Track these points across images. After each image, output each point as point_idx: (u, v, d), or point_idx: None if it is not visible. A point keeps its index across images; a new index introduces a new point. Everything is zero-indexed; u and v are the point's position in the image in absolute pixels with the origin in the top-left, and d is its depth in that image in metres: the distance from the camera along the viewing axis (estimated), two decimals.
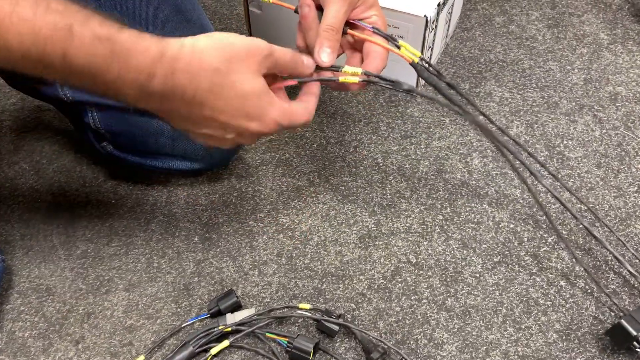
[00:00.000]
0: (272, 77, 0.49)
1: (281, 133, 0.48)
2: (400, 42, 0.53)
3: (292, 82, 0.51)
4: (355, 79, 0.50)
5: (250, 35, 0.86)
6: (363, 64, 0.53)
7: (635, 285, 0.58)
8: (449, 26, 0.83)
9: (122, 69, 0.39)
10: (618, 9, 0.93)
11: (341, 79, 0.50)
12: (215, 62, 0.42)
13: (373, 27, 0.53)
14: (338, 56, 0.53)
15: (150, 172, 0.68)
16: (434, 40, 0.77)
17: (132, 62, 0.39)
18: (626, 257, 0.61)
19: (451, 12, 0.81)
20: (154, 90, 0.41)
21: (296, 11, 0.54)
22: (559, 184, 0.68)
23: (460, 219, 0.66)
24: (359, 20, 0.53)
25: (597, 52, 0.85)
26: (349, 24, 0.54)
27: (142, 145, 0.62)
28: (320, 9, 0.52)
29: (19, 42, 0.36)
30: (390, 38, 0.53)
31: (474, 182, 0.69)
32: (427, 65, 0.55)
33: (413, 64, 0.54)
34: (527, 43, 0.87)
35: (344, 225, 0.65)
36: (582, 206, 0.66)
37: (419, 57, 0.54)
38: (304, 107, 0.49)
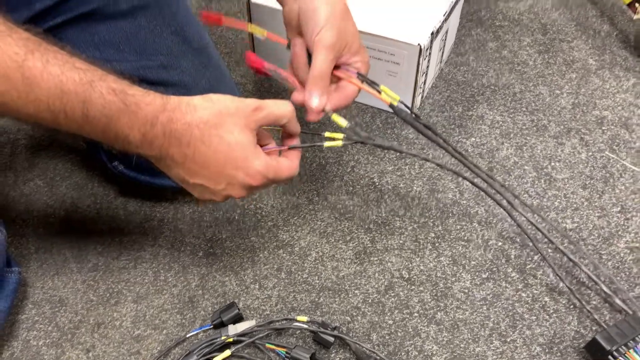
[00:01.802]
0: (265, 137, 0.54)
1: (268, 186, 0.54)
2: (382, 86, 0.58)
3: (280, 148, 0.56)
4: (339, 143, 0.56)
5: None
6: (336, 93, 0.58)
7: (613, 303, 0.62)
8: (443, 52, 0.88)
9: (131, 117, 0.45)
10: (607, 35, 0.97)
11: (326, 144, 0.56)
12: (206, 116, 0.48)
13: (358, 73, 0.58)
14: None
15: (159, 189, 0.72)
16: (427, 67, 0.81)
17: (140, 112, 0.46)
18: (604, 279, 0.64)
19: (445, 39, 0.86)
20: (155, 135, 0.47)
21: (288, 46, 0.59)
22: (545, 204, 0.72)
23: (451, 236, 0.69)
24: (346, 65, 0.58)
25: (586, 77, 0.89)
26: (335, 67, 0.58)
27: (151, 165, 0.66)
28: (309, 52, 0.57)
29: (47, 96, 0.42)
30: (372, 83, 0.58)
31: (464, 202, 0.73)
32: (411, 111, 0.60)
33: (392, 106, 0.58)
34: (519, 68, 0.91)
35: (340, 241, 0.69)
36: (566, 226, 0.69)
37: (398, 100, 0.58)
38: (288, 164, 0.54)
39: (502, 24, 0.99)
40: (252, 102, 0.50)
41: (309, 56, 0.56)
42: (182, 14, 0.66)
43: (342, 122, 0.56)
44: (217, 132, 0.48)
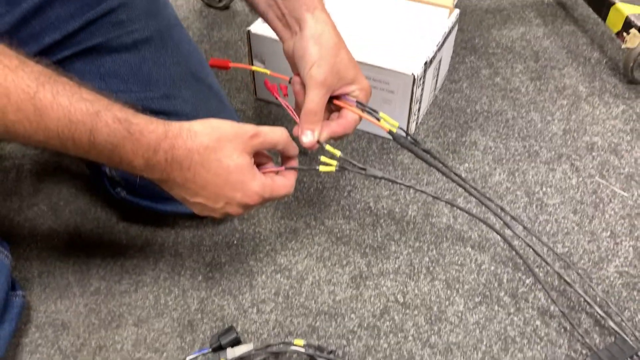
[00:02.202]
0: (263, 157, 0.58)
1: (265, 203, 0.58)
2: (381, 113, 0.60)
3: (277, 169, 0.59)
4: (332, 168, 0.58)
5: (255, 88, 0.93)
6: (336, 121, 0.60)
7: (606, 325, 0.63)
8: (437, 80, 0.90)
9: (135, 144, 0.48)
10: (596, 62, 0.99)
11: (320, 168, 0.58)
12: (206, 141, 0.51)
13: (357, 102, 0.60)
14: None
15: (160, 214, 0.74)
16: (421, 95, 0.83)
17: (143, 140, 0.49)
18: (597, 299, 0.65)
19: (439, 68, 0.88)
20: (158, 161, 0.50)
21: (290, 81, 0.61)
22: (536, 228, 0.73)
23: (445, 261, 0.71)
24: (345, 95, 0.60)
25: (576, 104, 0.91)
26: (334, 97, 0.60)
27: (152, 191, 0.68)
28: None
29: (56, 125, 0.46)
30: (371, 110, 0.60)
31: (458, 227, 0.74)
32: (405, 133, 0.62)
33: (391, 133, 0.61)
34: (511, 95, 0.93)
35: (337, 265, 0.71)
36: (558, 250, 0.71)
37: (397, 126, 0.60)
38: (284, 182, 0.57)
39: (495, 51, 1.02)
40: (250, 128, 0.53)
41: None
42: (185, 45, 0.68)
43: (336, 152, 0.58)
44: (216, 156, 0.51)
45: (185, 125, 0.51)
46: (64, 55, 0.62)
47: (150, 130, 0.49)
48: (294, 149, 0.58)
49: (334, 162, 0.58)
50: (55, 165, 0.84)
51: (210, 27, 1.10)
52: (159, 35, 0.65)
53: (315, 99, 0.57)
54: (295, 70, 0.60)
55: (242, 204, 0.54)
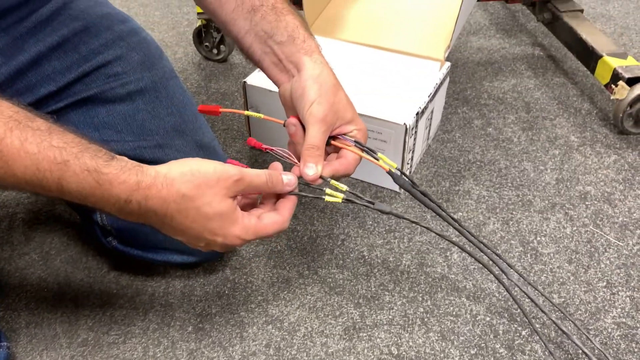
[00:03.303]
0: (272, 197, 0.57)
1: (254, 241, 0.58)
2: (380, 154, 0.60)
3: (286, 174, 0.57)
4: (339, 199, 0.57)
5: (250, 134, 0.95)
6: (338, 160, 0.59)
7: None
8: (429, 130, 0.91)
9: (105, 195, 0.48)
10: (587, 113, 1.01)
11: (327, 198, 0.57)
12: (184, 189, 0.49)
13: (355, 141, 0.60)
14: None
15: (151, 264, 0.73)
16: (414, 144, 0.84)
17: (114, 190, 0.48)
18: (595, 351, 0.64)
19: (431, 118, 0.90)
20: (131, 211, 0.49)
21: (284, 125, 0.62)
22: (532, 278, 0.73)
23: (440, 311, 0.70)
24: (343, 134, 0.61)
25: (568, 154, 0.92)
26: (332, 137, 0.61)
27: (144, 241, 0.68)
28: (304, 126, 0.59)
29: (23, 172, 0.45)
30: (370, 150, 0.60)
31: (452, 276, 0.74)
32: (402, 174, 0.62)
33: (390, 173, 0.61)
34: (504, 144, 0.94)
35: (330, 316, 0.69)
36: (554, 300, 0.70)
37: (395, 167, 0.60)
38: (274, 219, 0.55)
39: (487, 102, 1.04)
40: (234, 172, 0.51)
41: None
42: (178, 96, 0.70)
43: (342, 186, 0.58)
44: (194, 204, 0.50)
45: (162, 171, 0.50)
46: (58, 107, 0.63)
47: (121, 181, 0.48)
48: (283, 188, 0.56)
49: (340, 195, 0.57)
50: (48, 214, 0.84)
51: (208, 79, 1.12)
52: (153, 87, 0.66)
53: (317, 135, 0.56)
54: (291, 113, 0.61)
55: (224, 246, 0.54)
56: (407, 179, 0.61)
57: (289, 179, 0.56)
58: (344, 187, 0.58)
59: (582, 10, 1.10)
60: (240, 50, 0.64)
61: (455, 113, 1.01)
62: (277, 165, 0.58)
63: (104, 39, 0.65)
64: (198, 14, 1.11)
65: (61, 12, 0.63)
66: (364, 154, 0.60)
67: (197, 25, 1.14)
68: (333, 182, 0.58)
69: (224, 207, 0.51)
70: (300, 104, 0.58)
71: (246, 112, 0.64)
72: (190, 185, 0.50)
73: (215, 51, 1.16)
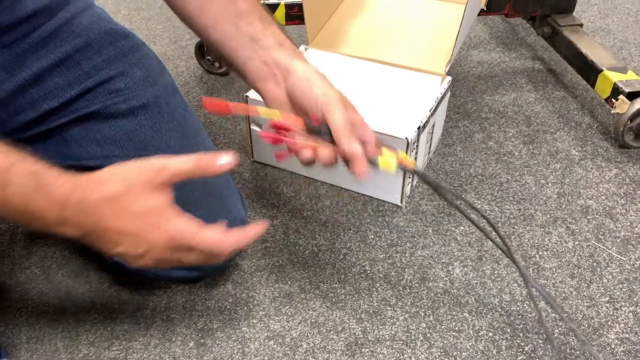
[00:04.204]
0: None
1: (196, 251, 0.52)
2: (399, 151, 0.58)
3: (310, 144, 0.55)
4: (393, 167, 0.55)
5: (252, 150, 0.95)
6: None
7: None
8: (430, 144, 0.92)
9: (45, 198, 0.48)
10: (588, 127, 1.01)
11: (380, 163, 0.55)
12: (110, 190, 0.49)
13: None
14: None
15: (152, 278, 0.73)
16: (416, 158, 0.84)
17: (53, 193, 0.48)
18: None
19: (432, 132, 0.90)
20: (69, 216, 0.49)
21: (306, 125, 0.57)
22: (535, 294, 0.72)
23: (442, 327, 0.69)
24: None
25: (569, 168, 0.92)
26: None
27: None
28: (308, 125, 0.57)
29: None
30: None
31: (455, 291, 0.73)
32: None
33: (416, 172, 0.60)
34: (505, 158, 0.94)
35: (332, 332, 0.69)
36: (556, 315, 0.70)
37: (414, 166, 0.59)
38: (217, 237, 0.51)
39: (487, 116, 1.04)
40: (156, 163, 0.50)
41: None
42: (180, 111, 0.70)
43: (392, 166, 0.56)
44: (123, 204, 0.49)
45: (93, 176, 0.50)
46: (61, 122, 0.63)
47: (60, 184, 0.48)
48: (219, 169, 0.52)
49: (394, 163, 0.56)
50: None
51: (209, 93, 1.13)
52: (155, 102, 0.66)
53: (342, 115, 0.54)
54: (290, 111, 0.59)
55: (168, 247, 0.50)
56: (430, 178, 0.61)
57: (224, 158, 0.52)
58: (394, 167, 0.56)
59: (581, 25, 1.11)
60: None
61: (456, 127, 1.02)
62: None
63: (107, 55, 0.65)
64: None
65: (64, 28, 0.63)
66: (402, 154, 0.58)
67: (199, 39, 1.15)
68: (381, 162, 0.56)
69: (153, 203, 0.49)
70: (308, 97, 0.56)
71: (260, 109, 0.59)
72: (118, 185, 0.49)
73: (217, 65, 1.16)
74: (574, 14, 1.15)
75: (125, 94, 0.64)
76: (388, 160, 0.56)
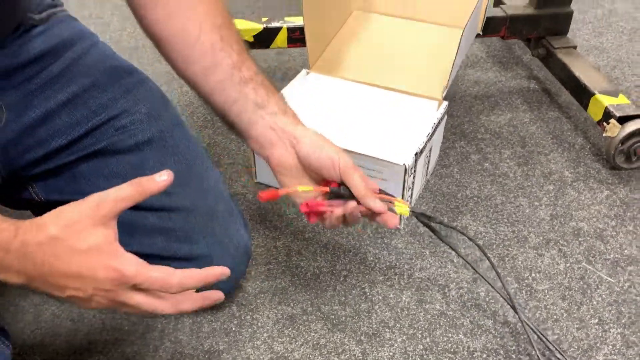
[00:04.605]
0: None
1: (142, 287, 0.51)
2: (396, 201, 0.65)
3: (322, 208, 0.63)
4: (406, 211, 0.64)
5: (255, 172, 0.98)
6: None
7: None
8: (428, 166, 0.95)
9: None
10: (581, 148, 1.04)
11: (397, 208, 0.64)
12: (53, 231, 0.48)
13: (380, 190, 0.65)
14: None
15: None
16: (413, 182, 0.87)
17: None
18: None
19: (429, 156, 0.93)
20: (11, 261, 0.48)
21: (331, 190, 0.63)
22: (527, 315, 0.76)
23: (439, 348, 0.72)
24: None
25: (562, 189, 0.95)
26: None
27: None
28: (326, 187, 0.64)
29: None
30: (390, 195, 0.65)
31: (451, 313, 0.77)
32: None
33: (413, 214, 0.66)
34: (500, 180, 0.98)
35: (333, 353, 0.72)
36: (548, 337, 0.73)
37: (409, 209, 0.65)
38: (165, 273, 0.51)
39: (483, 136, 1.07)
40: (94, 197, 0.50)
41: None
42: (184, 143, 0.73)
43: (405, 210, 0.65)
44: (65, 244, 0.48)
45: (36, 220, 0.49)
46: (69, 159, 0.66)
47: (2, 229, 0.47)
48: (158, 185, 0.53)
49: (406, 207, 0.64)
50: None
51: (213, 113, 1.15)
52: (159, 136, 0.69)
53: (360, 179, 0.61)
54: (294, 177, 0.63)
55: (115, 285, 0.49)
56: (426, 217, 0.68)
57: (159, 175, 0.53)
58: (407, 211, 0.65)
59: (575, 47, 1.14)
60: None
61: (453, 147, 1.05)
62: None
63: (112, 92, 0.68)
64: None
65: (70, 68, 0.66)
66: (400, 200, 0.65)
67: None
68: (398, 206, 0.64)
69: (95, 239, 0.48)
70: (324, 162, 0.61)
71: (300, 188, 0.63)
72: (60, 225, 0.48)
73: None
74: (568, 34, 1.18)
75: (131, 130, 0.67)
76: (402, 206, 0.64)
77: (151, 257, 0.66)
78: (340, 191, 0.63)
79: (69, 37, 0.68)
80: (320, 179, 0.64)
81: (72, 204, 0.50)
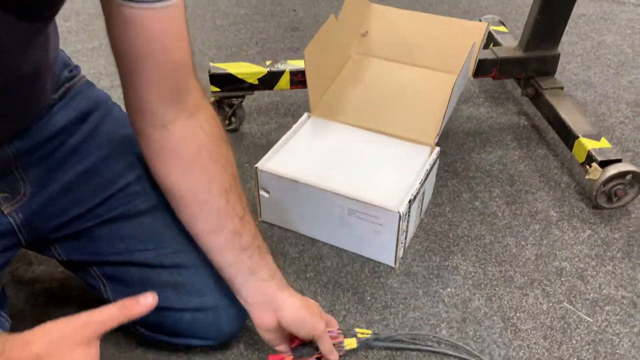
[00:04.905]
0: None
1: None
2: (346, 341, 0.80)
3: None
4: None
5: (260, 211, 1.04)
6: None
7: None
8: (421, 208, 1.01)
9: None
10: (566, 187, 1.11)
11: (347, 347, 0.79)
12: (36, 348, 0.50)
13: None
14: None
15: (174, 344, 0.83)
16: (407, 226, 0.94)
17: None
18: None
19: (422, 199, 1.00)
20: None
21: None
22: (511, 354, 0.82)
23: None
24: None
25: (547, 229, 1.02)
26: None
27: (167, 329, 0.77)
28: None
29: None
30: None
31: (442, 351, 0.83)
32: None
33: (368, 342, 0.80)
34: (489, 219, 1.04)
35: None
36: None
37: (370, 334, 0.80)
38: None
39: (475, 175, 1.14)
40: (81, 317, 0.52)
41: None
42: None
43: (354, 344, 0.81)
44: None
45: (21, 336, 0.51)
46: (87, 226, 0.72)
47: None
48: (141, 308, 0.56)
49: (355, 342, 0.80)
50: (80, 290, 0.94)
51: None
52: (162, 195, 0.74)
53: (328, 342, 0.74)
54: (280, 338, 0.76)
55: None
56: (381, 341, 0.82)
57: (144, 298, 0.56)
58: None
59: (562, 87, 1.21)
60: (219, 269, 0.72)
61: (445, 186, 1.11)
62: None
63: (125, 162, 0.74)
64: (212, 92, 1.22)
65: (88, 140, 0.72)
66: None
67: (212, 101, 1.25)
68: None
69: (77, 358, 0.51)
70: (302, 329, 0.72)
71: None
72: (43, 344, 0.50)
73: (227, 122, 1.26)
74: (558, 70, 1.25)
75: (144, 196, 0.73)
76: (351, 342, 0.80)
77: (165, 310, 0.73)
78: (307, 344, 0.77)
79: (85, 109, 0.74)
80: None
81: (60, 321, 0.52)
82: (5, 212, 0.69)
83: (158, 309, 0.62)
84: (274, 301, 0.71)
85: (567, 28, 1.20)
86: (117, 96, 0.74)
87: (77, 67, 0.79)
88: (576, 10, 1.67)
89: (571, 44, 1.56)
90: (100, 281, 0.76)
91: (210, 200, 0.68)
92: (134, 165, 0.75)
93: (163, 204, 0.74)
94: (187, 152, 0.66)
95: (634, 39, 1.58)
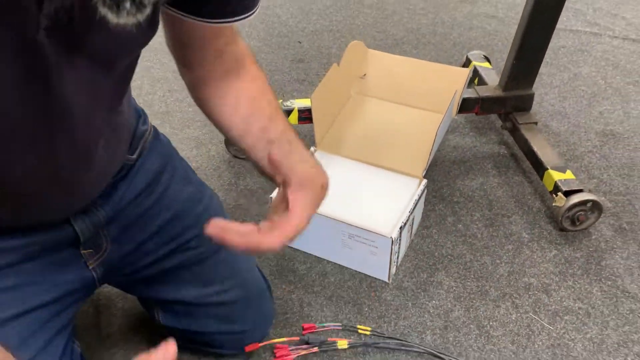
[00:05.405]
0: None
1: None
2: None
3: None
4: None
5: None
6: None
7: None
8: (412, 231, 1.18)
9: None
10: (537, 211, 1.28)
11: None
12: None
13: None
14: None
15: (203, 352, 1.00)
16: (399, 248, 1.11)
17: None
18: None
19: (412, 224, 1.17)
20: None
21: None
22: (483, 356, 0.99)
23: None
24: None
25: (519, 249, 1.19)
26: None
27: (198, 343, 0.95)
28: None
29: None
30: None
31: (426, 355, 1.00)
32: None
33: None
34: (470, 240, 1.21)
35: None
36: None
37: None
38: None
39: (458, 200, 1.31)
40: None
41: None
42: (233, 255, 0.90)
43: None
44: None
45: None
46: (150, 274, 0.86)
47: None
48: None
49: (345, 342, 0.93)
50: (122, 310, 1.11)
51: (237, 176, 1.39)
52: (215, 250, 0.87)
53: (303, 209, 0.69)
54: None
55: None
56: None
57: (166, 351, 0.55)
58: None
59: (536, 123, 1.38)
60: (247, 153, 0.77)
61: (433, 210, 1.28)
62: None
63: (186, 222, 0.85)
64: None
65: (159, 202, 0.83)
66: None
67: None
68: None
69: None
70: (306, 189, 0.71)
71: None
72: None
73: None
74: (535, 102, 1.42)
75: (198, 249, 0.86)
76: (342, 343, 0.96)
77: (207, 334, 0.90)
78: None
79: (157, 169, 0.82)
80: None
81: None
82: (90, 266, 0.79)
83: (195, 332, 0.77)
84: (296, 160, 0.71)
85: (547, 59, 1.36)
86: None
87: (143, 111, 0.85)
88: (557, 42, 1.85)
89: (550, 75, 1.72)
90: (154, 309, 0.93)
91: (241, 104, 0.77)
92: (193, 227, 0.85)
93: (211, 252, 0.87)
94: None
95: (607, 71, 1.74)
